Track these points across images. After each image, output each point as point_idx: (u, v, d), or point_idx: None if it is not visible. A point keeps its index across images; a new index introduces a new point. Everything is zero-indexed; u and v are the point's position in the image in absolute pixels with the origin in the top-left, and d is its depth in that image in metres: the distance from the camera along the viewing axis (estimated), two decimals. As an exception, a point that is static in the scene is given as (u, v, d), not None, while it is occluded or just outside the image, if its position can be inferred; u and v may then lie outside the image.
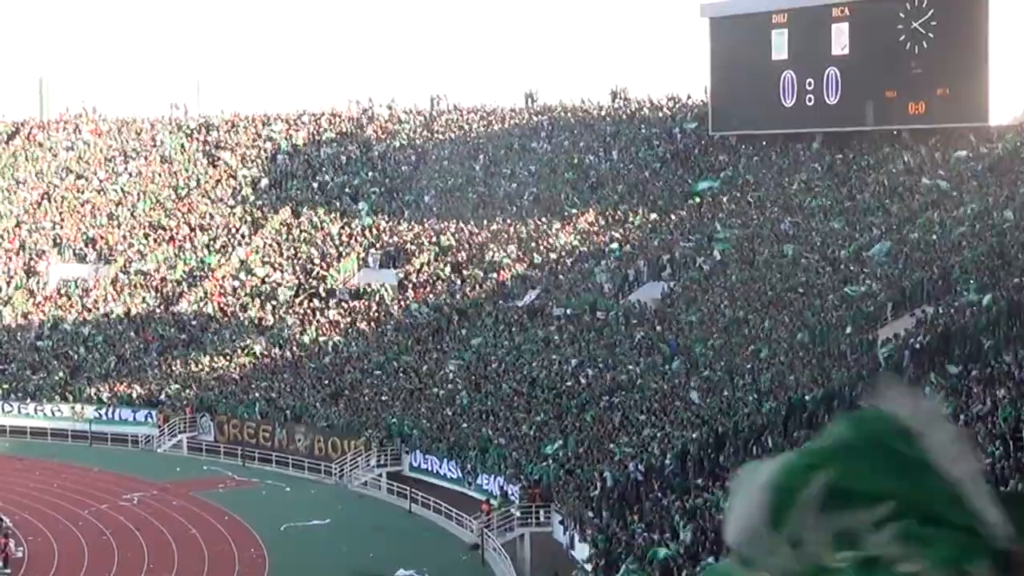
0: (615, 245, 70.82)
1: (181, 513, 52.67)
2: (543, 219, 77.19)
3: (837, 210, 63.89)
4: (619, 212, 74.90)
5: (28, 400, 73.05)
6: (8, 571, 43.87)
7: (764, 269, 60.00)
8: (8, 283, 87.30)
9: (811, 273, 56.75)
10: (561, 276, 69.82)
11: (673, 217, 71.89)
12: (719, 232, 66.69)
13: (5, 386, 74.19)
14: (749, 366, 48.70)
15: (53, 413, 72.13)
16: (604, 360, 57.29)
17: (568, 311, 64.29)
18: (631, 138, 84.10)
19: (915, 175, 64.22)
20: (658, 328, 58.87)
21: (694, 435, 43.20)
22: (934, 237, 54.44)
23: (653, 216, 73.10)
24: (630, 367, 55.31)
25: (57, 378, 74.40)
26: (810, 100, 71.69)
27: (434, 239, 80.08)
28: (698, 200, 72.40)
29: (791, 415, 41.62)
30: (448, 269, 75.87)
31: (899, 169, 65.82)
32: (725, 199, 71.22)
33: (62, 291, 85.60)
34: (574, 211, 76.94)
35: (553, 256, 72.72)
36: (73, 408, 71.70)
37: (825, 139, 72.32)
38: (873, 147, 69.87)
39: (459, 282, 73.97)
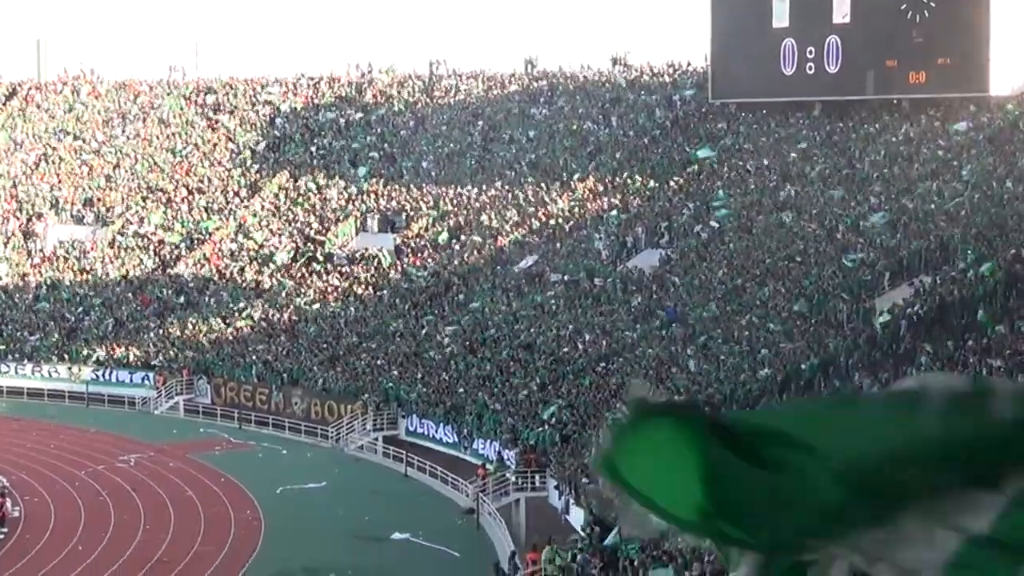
0: (614, 212, 70.86)
1: (177, 475, 52.77)
2: (541, 185, 77.15)
3: (836, 179, 63.87)
4: (618, 179, 74.83)
5: (25, 361, 73.13)
6: (5, 530, 43.99)
7: (762, 237, 60.01)
8: (5, 244, 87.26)
9: (809, 241, 56.75)
10: (559, 242, 69.85)
11: (672, 184, 71.84)
12: (717, 200, 66.67)
13: (2, 347, 74.26)
14: (746, 334, 48.74)
15: (50, 374, 72.23)
16: (601, 326, 57.34)
17: (566, 277, 64.31)
18: (631, 105, 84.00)
19: (915, 145, 64.18)
20: (655, 295, 58.91)
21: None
22: (932, 207, 54.44)
23: (652, 183, 73.07)
24: (627, 333, 55.35)
25: (54, 339, 74.47)
26: (810, 68, 71.54)
27: (432, 204, 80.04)
28: (697, 167, 72.37)
29: (787, 383, 41.68)
30: (446, 234, 75.84)
31: (899, 138, 65.77)
32: (724, 167, 71.16)
33: (59, 253, 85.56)
34: (573, 177, 76.91)
35: (552, 222, 72.74)
36: (70, 369, 71.79)
37: (825, 108, 72.21)
38: (873, 116, 69.80)
39: (457, 247, 73.97)
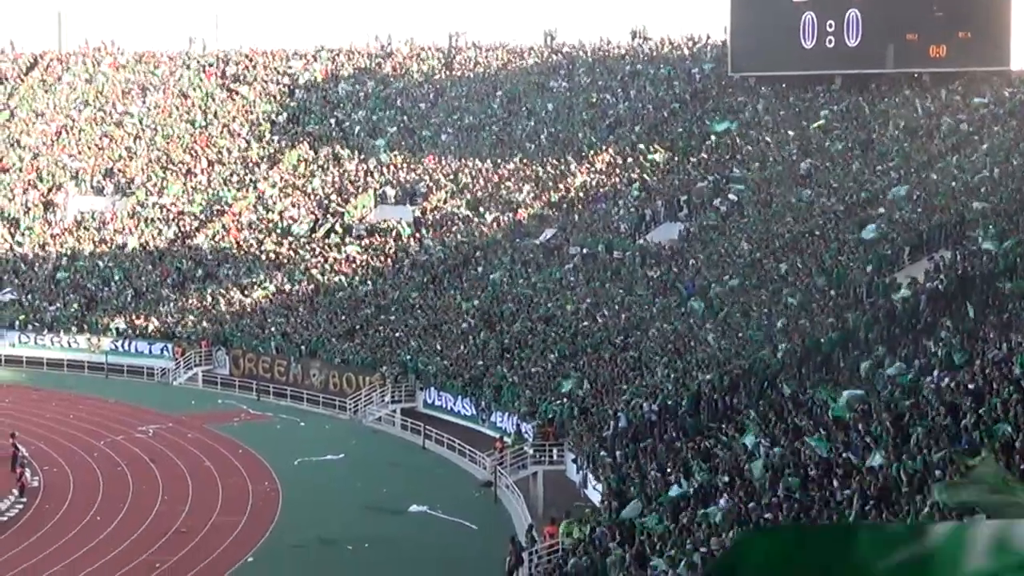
0: (633, 185, 70.77)
1: (195, 446, 52.94)
2: (560, 158, 77.08)
3: (856, 153, 63.62)
4: (637, 152, 74.71)
5: (45, 331, 73.40)
6: (24, 500, 44.18)
7: (782, 211, 59.82)
8: (26, 214, 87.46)
9: (828, 215, 56.53)
10: (577, 215, 69.77)
11: (691, 157, 71.67)
12: (736, 173, 66.48)
13: (22, 317, 74.51)
14: (765, 308, 48.60)
15: (70, 344, 72.49)
16: (620, 300, 57.26)
17: (584, 250, 64.24)
18: (650, 78, 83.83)
19: (935, 119, 63.88)
20: (674, 269, 58.78)
21: (708, 376, 43.17)
22: (953, 182, 54.16)
23: (671, 156, 72.91)
24: (645, 307, 55.27)
25: (74, 310, 74.69)
26: (830, 42, 71.23)
27: (451, 176, 80.00)
28: (716, 141, 72.15)
29: (806, 358, 41.56)
30: (465, 207, 75.81)
31: (919, 112, 65.46)
32: (743, 140, 70.95)
33: (80, 223, 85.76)
34: (592, 151, 76.84)
35: (571, 195, 72.70)
36: (90, 340, 72.02)
37: (845, 81, 71.92)
38: (893, 90, 69.50)
39: (475, 220, 73.92)
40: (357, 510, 43.56)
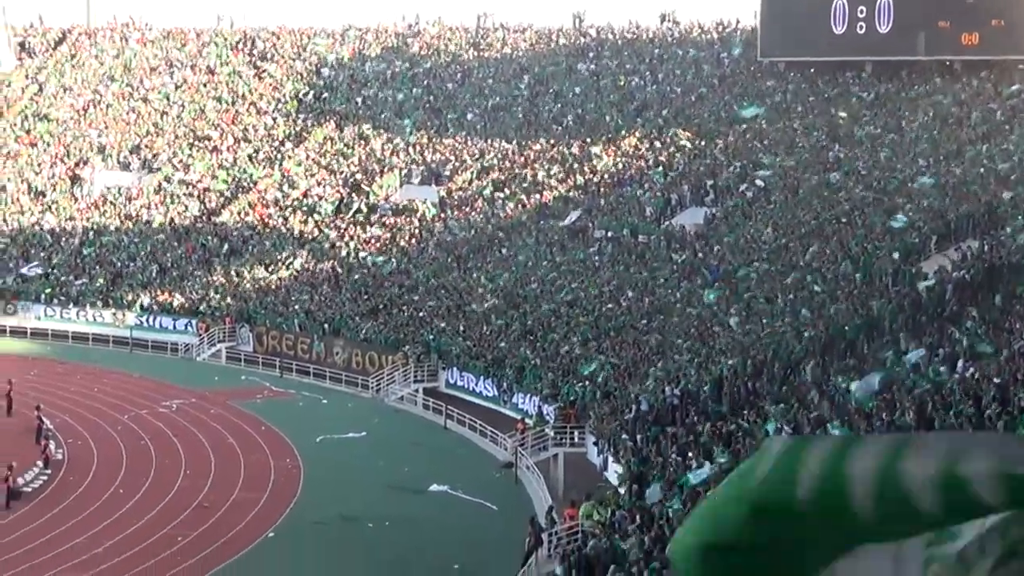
0: (659, 169, 70.59)
1: (218, 421, 53.07)
2: (587, 140, 76.92)
3: (885, 140, 63.33)
4: (664, 135, 74.53)
5: (71, 305, 73.65)
6: (48, 472, 44.38)
7: (809, 197, 59.60)
8: (53, 188, 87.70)
9: (856, 203, 56.31)
10: (602, 198, 69.62)
11: (718, 142, 71.44)
12: (764, 158, 66.25)
13: (48, 290, 74.78)
14: (790, 295, 48.45)
15: (95, 319, 72.73)
16: (644, 284, 57.17)
17: (609, 233, 64.13)
18: (678, 62, 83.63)
19: (966, 107, 63.53)
20: (699, 253, 58.64)
21: (731, 361, 43.06)
22: (982, 170, 53.89)
23: (698, 141, 72.69)
24: (669, 291, 55.17)
25: (99, 284, 74.91)
26: (861, 28, 70.92)
27: (477, 157, 79.91)
28: (744, 126, 71.91)
29: (830, 344, 41.44)
30: (490, 188, 75.71)
31: (949, 101, 65.12)
32: (771, 126, 70.68)
33: (106, 198, 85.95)
34: (619, 133, 76.64)
35: (597, 178, 72.54)
36: (115, 314, 72.24)
37: (875, 68, 71.58)
38: (924, 78, 69.16)
39: (500, 201, 73.83)
40: (378, 488, 43.61)
